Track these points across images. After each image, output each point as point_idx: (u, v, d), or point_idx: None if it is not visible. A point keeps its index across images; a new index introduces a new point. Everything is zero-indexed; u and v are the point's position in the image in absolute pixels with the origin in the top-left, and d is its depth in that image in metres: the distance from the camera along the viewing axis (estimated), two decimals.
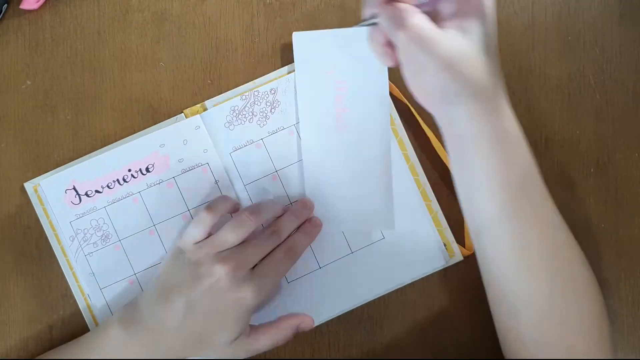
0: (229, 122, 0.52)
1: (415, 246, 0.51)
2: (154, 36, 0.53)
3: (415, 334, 0.52)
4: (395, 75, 0.50)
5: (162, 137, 0.51)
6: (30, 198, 0.51)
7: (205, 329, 0.45)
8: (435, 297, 0.53)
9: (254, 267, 0.47)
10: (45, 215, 0.51)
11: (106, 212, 0.51)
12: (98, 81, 0.53)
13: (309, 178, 0.51)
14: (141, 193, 0.51)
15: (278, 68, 0.52)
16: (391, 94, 0.51)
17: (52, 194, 0.51)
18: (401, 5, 0.41)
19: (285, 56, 0.53)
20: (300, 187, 0.52)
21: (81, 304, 0.51)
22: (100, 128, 0.52)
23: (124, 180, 0.51)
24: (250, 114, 0.52)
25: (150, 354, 0.46)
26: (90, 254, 0.51)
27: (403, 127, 0.52)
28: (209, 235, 0.47)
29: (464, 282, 0.50)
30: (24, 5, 0.51)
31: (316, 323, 0.50)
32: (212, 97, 0.52)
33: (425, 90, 0.43)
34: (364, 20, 0.46)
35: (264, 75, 0.52)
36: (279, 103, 0.52)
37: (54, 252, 0.51)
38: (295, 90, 0.51)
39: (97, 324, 0.51)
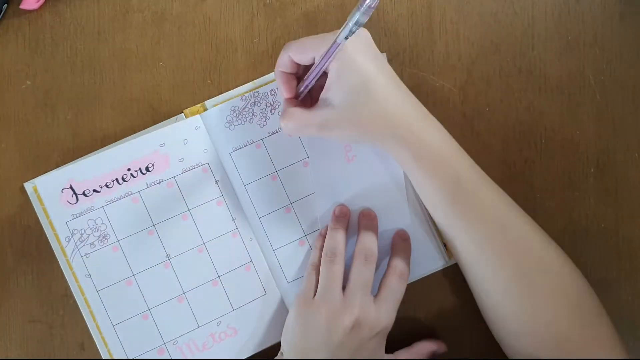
0: (229, 122, 0.52)
1: (415, 247, 0.51)
2: (154, 36, 0.53)
3: (415, 334, 0.52)
4: None
5: (162, 137, 0.51)
6: (30, 198, 0.51)
7: None
8: (435, 297, 0.53)
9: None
10: (45, 215, 0.51)
11: (104, 212, 0.51)
12: (98, 81, 0.53)
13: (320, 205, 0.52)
14: (141, 193, 0.51)
15: None
16: None
17: (49, 193, 0.51)
18: (286, 104, 0.48)
19: None
20: (300, 188, 0.52)
21: (81, 304, 0.51)
22: (100, 128, 0.52)
23: (124, 179, 0.51)
24: (251, 114, 0.52)
25: None
26: (87, 255, 0.51)
27: None
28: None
29: (464, 282, 0.50)
30: (24, 5, 0.51)
31: None
32: (212, 97, 0.52)
33: None
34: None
35: (264, 75, 0.52)
36: (279, 104, 0.52)
37: (54, 252, 0.51)
38: None
39: (97, 325, 0.51)
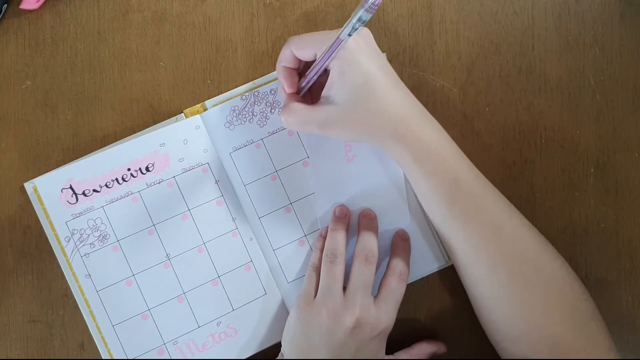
0: (229, 122, 0.52)
1: (415, 247, 0.51)
2: (154, 36, 0.53)
3: (415, 334, 0.52)
4: None
5: (163, 137, 0.51)
6: (30, 198, 0.51)
7: None
8: (435, 297, 0.53)
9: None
10: (45, 215, 0.51)
11: (104, 212, 0.51)
12: (98, 81, 0.53)
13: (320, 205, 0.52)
14: (141, 192, 0.51)
15: None
16: None
17: (48, 193, 0.51)
18: (287, 99, 0.49)
19: None
20: (300, 187, 0.52)
21: (81, 304, 0.51)
22: (100, 128, 0.52)
23: (123, 179, 0.51)
24: (251, 114, 0.52)
25: None
26: (87, 255, 0.51)
27: None
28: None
29: None
30: (24, 5, 0.51)
31: None
32: (212, 97, 0.52)
33: None
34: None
35: (263, 75, 0.52)
36: (278, 103, 0.52)
37: (54, 252, 0.51)
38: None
39: (97, 325, 0.51)
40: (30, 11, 0.52)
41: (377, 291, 0.49)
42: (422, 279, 0.52)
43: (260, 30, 0.53)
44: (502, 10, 0.53)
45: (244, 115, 0.52)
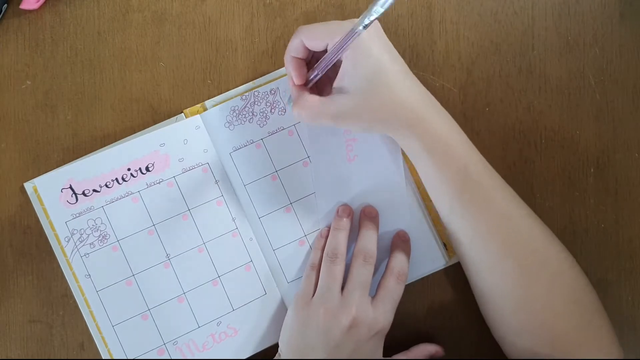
0: (229, 122, 0.52)
1: (415, 247, 0.51)
2: (154, 36, 0.53)
3: (415, 334, 0.52)
4: None
5: (163, 137, 0.51)
6: (30, 198, 0.51)
7: None
8: (435, 297, 0.53)
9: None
10: (45, 215, 0.51)
11: (104, 212, 0.51)
12: (98, 81, 0.53)
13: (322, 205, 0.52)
14: (141, 192, 0.51)
15: (278, 68, 0.52)
16: None
17: (48, 193, 0.51)
18: (298, 91, 0.48)
19: None
20: (300, 187, 0.52)
21: (81, 304, 0.51)
22: (100, 128, 0.52)
23: (123, 179, 0.51)
24: (250, 114, 0.52)
25: None
26: (87, 255, 0.51)
27: None
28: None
29: (464, 282, 0.50)
30: (24, 5, 0.51)
31: None
32: (212, 97, 0.52)
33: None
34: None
35: (263, 75, 0.52)
36: (278, 103, 0.52)
37: (54, 252, 0.51)
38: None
39: (97, 325, 0.51)
40: (30, 11, 0.52)
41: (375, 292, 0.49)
42: (422, 279, 0.52)
43: (260, 30, 0.53)
44: (502, 10, 0.53)
45: (244, 115, 0.52)
